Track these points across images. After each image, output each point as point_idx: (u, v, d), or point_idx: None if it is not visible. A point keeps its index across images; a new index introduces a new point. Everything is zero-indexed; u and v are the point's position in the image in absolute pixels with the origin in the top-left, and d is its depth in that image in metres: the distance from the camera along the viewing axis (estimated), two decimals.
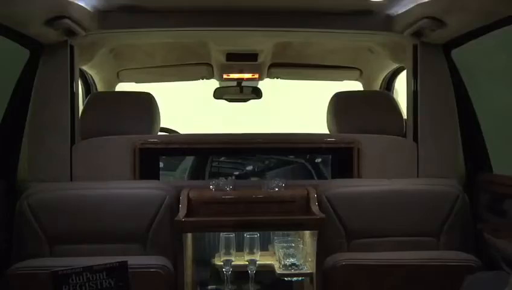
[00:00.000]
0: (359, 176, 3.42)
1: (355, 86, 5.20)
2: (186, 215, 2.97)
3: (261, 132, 3.62)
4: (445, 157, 3.44)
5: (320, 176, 3.55)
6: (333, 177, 3.48)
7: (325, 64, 4.90)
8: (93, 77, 4.82)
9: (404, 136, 3.57)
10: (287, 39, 4.12)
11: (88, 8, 3.16)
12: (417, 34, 3.34)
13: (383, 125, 3.55)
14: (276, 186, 3.17)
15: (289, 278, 3.04)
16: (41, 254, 3.03)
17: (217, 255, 3.07)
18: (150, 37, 3.80)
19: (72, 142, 3.35)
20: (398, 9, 3.26)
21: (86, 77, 4.73)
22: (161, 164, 3.46)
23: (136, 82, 5.18)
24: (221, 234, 2.93)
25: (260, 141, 3.53)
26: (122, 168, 3.36)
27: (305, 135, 3.59)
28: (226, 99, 5.18)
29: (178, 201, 3.08)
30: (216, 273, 3.14)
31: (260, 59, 4.39)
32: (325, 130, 3.77)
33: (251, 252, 2.90)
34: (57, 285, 2.29)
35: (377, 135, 3.52)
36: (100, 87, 4.91)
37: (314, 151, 3.51)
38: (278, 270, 2.98)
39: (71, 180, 3.32)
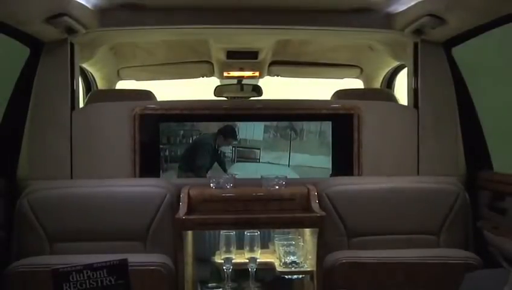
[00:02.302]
0: (359, 142, 3.41)
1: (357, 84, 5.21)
2: (187, 213, 2.97)
3: None
4: (445, 155, 3.44)
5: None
6: (334, 137, 3.48)
7: (326, 62, 4.91)
8: (94, 75, 4.83)
9: None
10: (288, 37, 4.11)
11: (88, 6, 3.16)
12: (418, 32, 3.34)
13: None
14: (276, 184, 3.17)
15: (289, 276, 3.04)
16: (41, 251, 3.03)
17: (217, 253, 3.08)
18: (150, 35, 3.80)
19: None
20: (399, 7, 3.25)
21: (86, 75, 4.73)
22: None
23: (136, 80, 5.18)
24: (221, 231, 2.93)
25: (261, 106, 3.54)
26: (121, 134, 3.37)
27: (306, 101, 3.60)
28: (226, 97, 5.19)
29: (178, 199, 3.09)
30: (216, 271, 3.15)
31: (260, 57, 4.39)
32: None
33: (251, 250, 2.90)
34: (58, 283, 2.29)
35: (378, 102, 3.53)
36: (100, 85, 4.91)
37: (315, 117, 3.50)
38: (278, 268, 2.98)
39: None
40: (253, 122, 3.49)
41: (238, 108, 3.53)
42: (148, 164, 3.38)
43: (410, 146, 3.44)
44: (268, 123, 3.49)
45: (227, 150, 3.50)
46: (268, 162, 3.49)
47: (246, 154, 3.50)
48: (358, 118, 3.42)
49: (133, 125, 3.36)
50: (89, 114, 3.42)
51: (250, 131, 3.50)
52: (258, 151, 3.50)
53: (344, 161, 3.43)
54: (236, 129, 3.49)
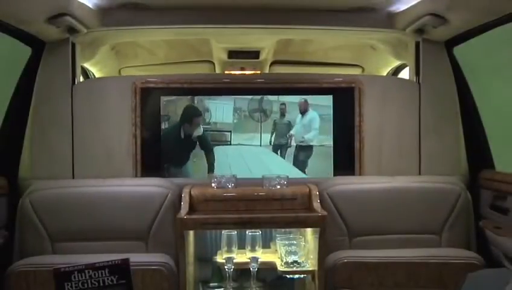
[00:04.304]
0: (360, 115, 3.42)
1: None
2: (188, 213, 2.97)
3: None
4: (447, 154, 3.43)
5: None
6: (335, 111, 3.47)
7: (327, 61, 4.91)
8: (95, 74, 4.82)
9: None
10: (289, 36, 4.11)
11: (89, 6, 3.16)
12: (419, 31, 3.33)
13: None
14: (277, 183, 3.17)
15: (291, 276, 3.04)
16: (43, 251, 3.04)
17: (218, 252, 3.08)
18: (151, 35, 3.80)
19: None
20: (400, 7, 3.25)
21: (87, 75, 4.73)
22: None
23: None
24: (223, 231, 2.93)
25: (262, 80, 3.55)
26: (123, 109, 3.38)
27: (307, 75, 3.60)
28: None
29: (180, 198, 3.09)
30: (218, 271, 3.14)
31: (262, 56, 4.39)
32: None
33: (253, 250, 2.90)
34: (59, 282, 2.29)
35: (378, 76, 3.52)
36: None
37: (316, 90, 3.50)
38: (280, 268, 2.98)
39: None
40: (223, 105, 3.50)
41: (240, 82, 3.53)
42: (149, 138, 3.40)
43: (412, 119, 3.45)
44: (237, 105, 3.50)
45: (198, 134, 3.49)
46: (239, 144, 3.50)
47: (217, 138, 3.51)
48: (359, 91, 3.43)
49: (134, 99, 3.37)
50: (89, 88, 3.43)
51: (220, 114, 3.51)
52: (228, 133, 3.51)
53: (345, 134, 3.45)
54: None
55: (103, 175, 3.30)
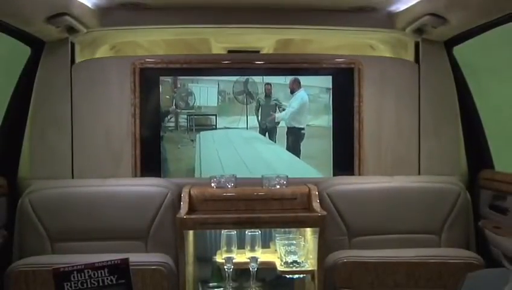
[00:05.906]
0: (360, 96, 3.43)
1: None
2: (188, 213, 2.97)
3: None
4: (447, 154, 3.44)
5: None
6: (334, 92, 3.48)
7: None
8: None
9: None
10: (289, 36, 4.11)
11: (89, 5, 3.15)
12: (419, 31, 3.33)
13: None
14: (277, 183, 3.17)
15: (290, 276, 3.04)
16: (42, 251, 3.04)
17: (218, 252, 3.08)
18: (151, 35, 3.80)
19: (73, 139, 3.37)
20: (400, 6, 3.25)
21: None
22: None
23: None
24: (222, 231, 2.93)
25: (262, 61, 3.56)
26: (122, 89, 3.40)
27: (306, 55, 3.62)
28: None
29: (180, 198, 3.09)
30: (217, 271, 3.14)
31: None
32: None
33: (252, 250, 2.90)
34: (59, 282, 2.29)
35: (378, 56, 3.54)
36: None
37: (315, 71, 3.52)
38: (280, 268, 2.98)
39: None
40: (206, 88, 3.51)
41: (239, 62, 3.54)
42: (148, 117, 3.42)
43: (411, 100, 3.45)
44: (221, 88, 3.51)
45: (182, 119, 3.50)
46: (225, 127, 3.50)
47: (202, 122, 3.51)
48: (359, 72, 3.44)
49: (133, 79, 3.39)
50: (88, 67, 3.44)
51: (204, 97, 3.50)
52: (213, 117, 3.51)
53: (344, 115, 3.46)
54: None
55: (103, 159, 3.34)
